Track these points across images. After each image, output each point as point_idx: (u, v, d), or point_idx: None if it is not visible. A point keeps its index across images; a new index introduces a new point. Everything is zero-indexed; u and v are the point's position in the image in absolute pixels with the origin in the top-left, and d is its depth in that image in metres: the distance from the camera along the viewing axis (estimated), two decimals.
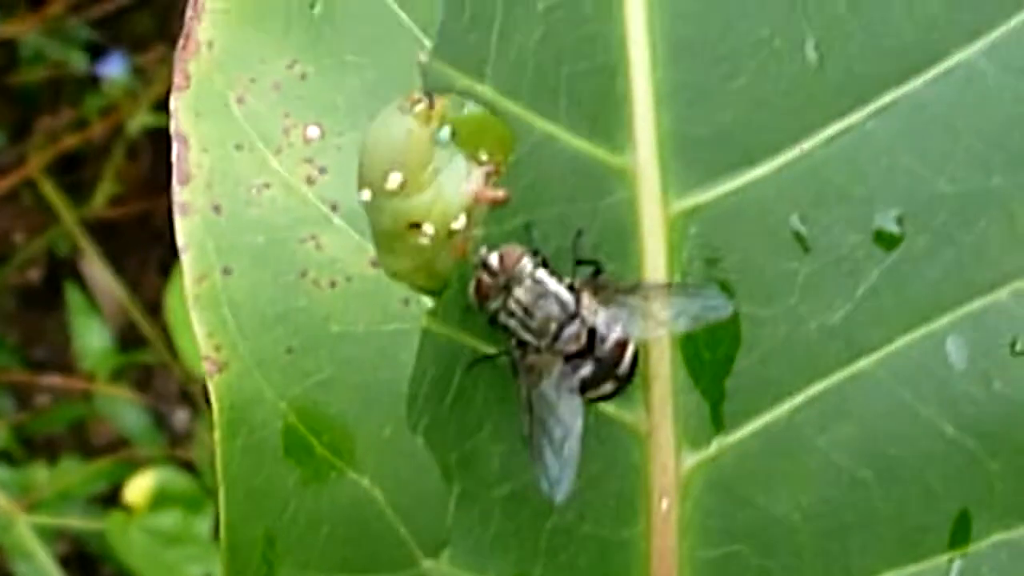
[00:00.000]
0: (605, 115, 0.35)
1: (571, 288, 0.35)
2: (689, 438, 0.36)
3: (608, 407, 0.36)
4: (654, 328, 0.35)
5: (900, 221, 0.35)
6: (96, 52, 1.55)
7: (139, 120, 1.48)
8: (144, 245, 1.57)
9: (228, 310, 0.35)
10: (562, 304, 0.35)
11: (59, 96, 1.57)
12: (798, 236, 0.35)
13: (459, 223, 0.34)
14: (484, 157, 0.35)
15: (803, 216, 0.35)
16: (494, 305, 0.35)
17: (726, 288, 0.35)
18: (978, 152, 0.34)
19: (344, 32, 0.36)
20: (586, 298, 0.35)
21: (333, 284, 0.36)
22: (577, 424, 0.35)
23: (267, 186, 0.36)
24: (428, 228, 0.34)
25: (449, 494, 0.35)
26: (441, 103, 0.34)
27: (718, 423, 0.35)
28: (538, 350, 0.35)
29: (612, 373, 0.35)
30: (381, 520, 0.36)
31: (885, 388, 0.35)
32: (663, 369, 0.35)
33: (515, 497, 0.36)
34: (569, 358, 0.35)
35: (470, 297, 0.35)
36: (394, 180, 0.34)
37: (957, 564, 0.35)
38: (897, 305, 0.35)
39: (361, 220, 0.36)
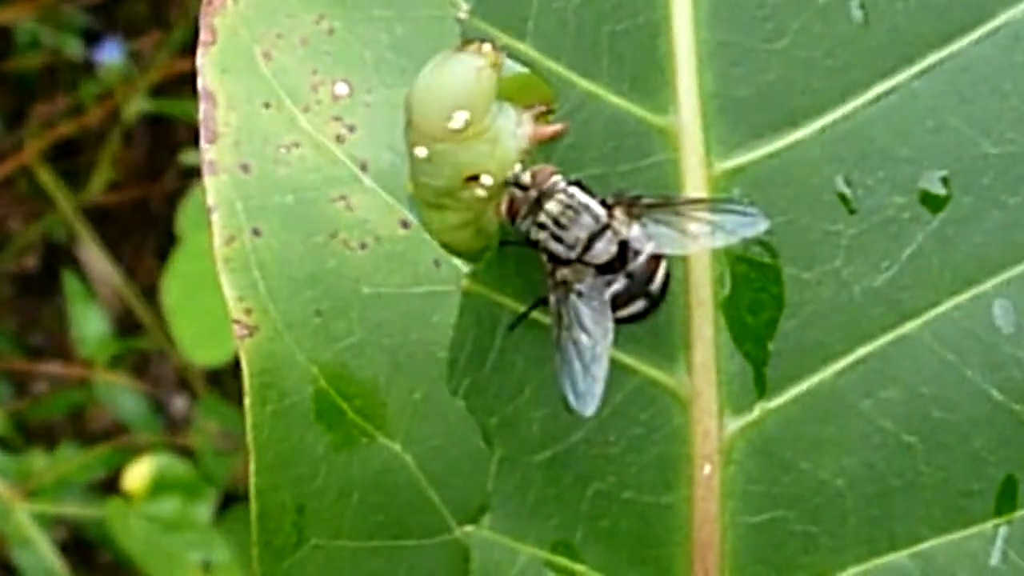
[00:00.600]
0: (647, 74, 0.35)
1: (604, 203, 0.35)
2: (732, 403, 0.35)
3: (650, 370, 0.35)
4: (689, 243, 0.34)
5: (946, 182, 0.34)
6: (91, 38, 1.54)
7: (135, 106, 1.48)
8: (141, 231, 1.57)
9: (258, 272, 0.35)
10: (594, 216, 0.34)
11: (55, 82, 1.56)
12: (843, 197, 0.35)
13: (516, 170, 0.34)
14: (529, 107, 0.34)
15: (848, 177, 0.35)
16: (525, 224, 0.34)
17: (769, 249, 0.35)
18: None
19: None
20: (619, 212, 0.35)
21: (363, 245, 0.35)
22: (607, 339, 0.34)
23: (296, 145, 0.35)
24: (486, 179, 0.34)
25: (490, 458, 0.35)
26: (499, 49, 0.33)
27: (761, 387, 0.35)
28: (569, 262, 0.34)
29: (644, 290, 0.35)
30: (413, 486, 0.36)
31: (931, 352, 0.34)
32: (706, 332, 0.35)
33: (557, 462, 0.35)
34: (600, 271, 0.35)
35: (503, 216, 0.35)
36: (459, 119, 0.33)
37: (1003, 530, 0.35)
38: (943, 268, 0.34)
39: (391, 180, 0.35)
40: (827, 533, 0.35)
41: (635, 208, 0.34)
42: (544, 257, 0.35)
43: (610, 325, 0.34)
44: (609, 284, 0.34)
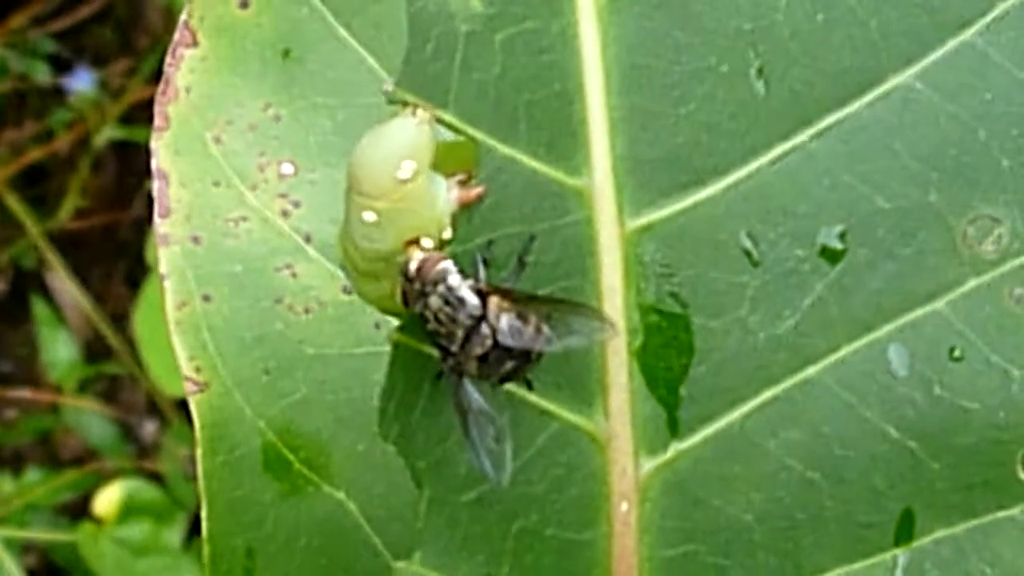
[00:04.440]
0: (563, 139, 0.37)
1: (479, 293, 0.36)
2: (647, 444, 0.37)
3: (569, 415, 0.37)
4: (545, 343, 0.36)
5: (843, 236, 0.37)
6: (59, 64, 1.56)
7: (105, 134, 1.49)
8: (109, 257, 1.58)
9: (208, 334, 0.37)
10: (468, 309, 0.36)
11: (23, 109, 1.57)
12: (747, 251, 0.37)
13: (447, 234, 0.36)
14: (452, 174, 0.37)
15: (751, 232, 0.37)
16: (416, 312, 0.36)
17: (679, 300, 0.37)
18: (915, 170, 0.36)
19: (316, 76, 0.38)
20: (493, 303, 0.36)
21: (308, 310, 0.38)
22: (504, 417, 0.36)
23: (244, 219, 0.37)
24: (426, 242, 0.36)
25: (419, 499, 0.37)
26: (431, 111, 0.35)
27: (674, 429, 0.37)
28: (454, 353, 0.36)
29: (527, 363, 0.37)
30: (356, 531, 0.38)
31: (831, 394, 0.37)
32: (621, 378, 0.37)
33: (482, 501, 0.37)
34: (482, 359, 0.36)
35: (398, 303, 0.37)
36: (407, 168, 0.35)
37: (902, 560, 0.37)
38: (841, 315, 0.37)
39: (333, 250, 0.37)
40: (738, 565, 0.37)
41: (507, 300, 0.36)
42: (435, 347, 0.37)
43: (504, 399, 0.36)
44: (496, 365, 0.36)
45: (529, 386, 0.37)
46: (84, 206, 1.55)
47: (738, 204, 0.37)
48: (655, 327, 0.37)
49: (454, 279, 0.36)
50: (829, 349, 0.37)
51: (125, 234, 1.57)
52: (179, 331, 0.37)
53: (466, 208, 0.36)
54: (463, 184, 0.36)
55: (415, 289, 0.36)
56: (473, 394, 0.36)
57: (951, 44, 0.36)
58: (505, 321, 0.36)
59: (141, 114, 1.50)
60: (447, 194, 0.36)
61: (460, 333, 0.36)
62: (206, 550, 0.38)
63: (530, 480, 0.37)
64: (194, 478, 1.24)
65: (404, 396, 0.37)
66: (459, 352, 0.36)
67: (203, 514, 0.38)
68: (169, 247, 0.37)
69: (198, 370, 0.37)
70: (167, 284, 0.37)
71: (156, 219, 0.37)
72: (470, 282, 0.36)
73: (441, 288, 0.36)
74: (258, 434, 0.37)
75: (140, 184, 1.55)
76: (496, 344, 0.36)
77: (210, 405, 0.37)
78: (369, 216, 0.35)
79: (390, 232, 0.36)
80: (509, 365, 0.36)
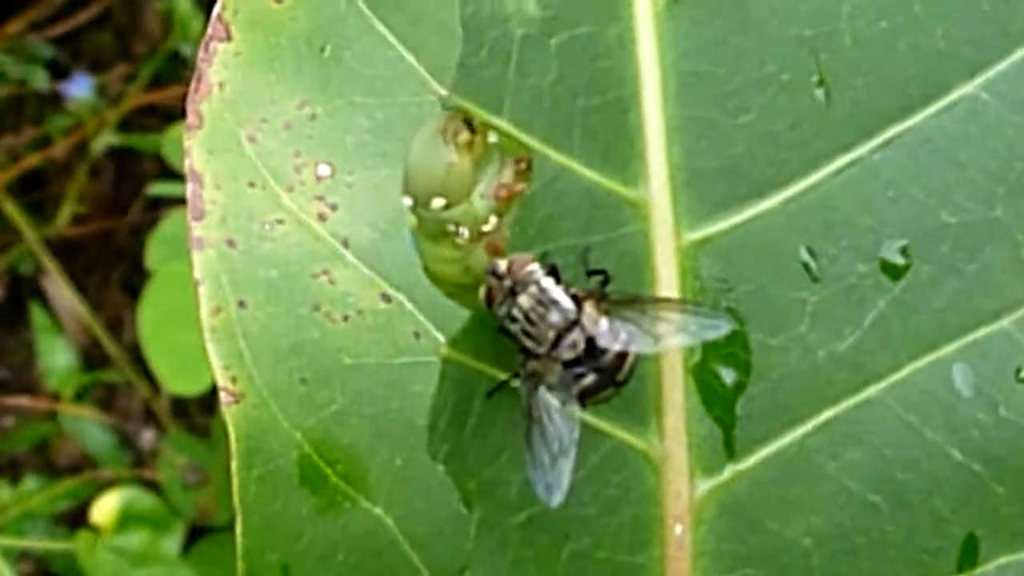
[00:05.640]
0: (618, 148, 0.36)
1: (575, 298, 0.36)
2: (702, 465, 0.36)
3: (623, 434, 0.36)
4: (653, 343, 0.36)
5: (905, 251, 0.36)
6: (56, 70, 1.55)
7: (103, 140, 1.48)
8: (106, 264, 1.57)
9: (244, 342, 0.36)
10: (564, 313, 0.36)
11: (20, 114, 1.56)
12: (807, 266, 0.36)
13: (489, 225, 0.36)
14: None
15: (811, 247, 0.36)
16: (501, 311, 0.36)
17: (736, 316, 0.36)
18: (980, 184, 0.35)
19: (353, 74, 0.36)
20: (588, 307, 0.36)
21: (345, 318, 0.36)
22: (573, 432, 0.35)
23: (280, 222, 0.36)
24: (463, 231, 0.36)
25: (469, 520, 0.36)
26: (481, 132, 0.35)
27: (731, 450, 0.36)
28: (538, 356, 0.36)
29: (611, 381, 0.36)
30: (394, 548, 0.37)
31: (893, 414, 0.36)
32: (676, 396, 0.36)
33: (533, 523, 0.36)
34: (568, 366, 0.36)
35: (481, 302, 0.36)
36: (437, 204, 0.36)
37: None
38: (904, 333, 0.36)
39: (372, 256, 0.36)
40: None
41: (604, 303, 0.36)
42: (516, 348, 0.36)
43: (577, 417, 0.35)
44: (577, 378, 0.36)
45: (583, 403, 0.36)
46: (82, 212, 1.54)
47: (798, 217, 0.36)
48: (712, 344, 0.36)
49: (547, 281, 0.35)
50: (891, 368, 0.36)
51: (123, 241, 1.56)
52: (214, 339, 0.36)
53: (520, 215, 0.35)
54: (518, 176, 0.36)
55: (505, 287, 0.35)
56: (547, 402, 0.35)
57: (1018, 54, 0.35)
58: (604, 323, 0.35)
59: (139, 120, 1.49)
60: (489, 192, 0.35)
61: (551, 335, 0.36)
62: (240, 566, 0.37)
63: (582, 501, 0.36)
64: (192, 486, 1.23)
65: (454, 413, 0.36)
66: (545, 355, 0.35)
67: (238, 529, 0.37)
68: (203, 251, 0.36)
69: (234, 380, 0.36)
70: (201, 290, 0.36)
71: (191, 222, 0.36)
72: (562, 285, 0.35)
73: (533, 288, 0.35)
74: (294, 446, 0.36)
75: (138, 191, 1.54)
76: (588, 347, 0.36)
77: (246, 416, 0.36)
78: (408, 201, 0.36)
79: (427, 223, 0.36)
80: (607, 394, 0.36)
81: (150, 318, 1.21)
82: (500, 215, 0.36)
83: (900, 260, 0.36)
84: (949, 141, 0.36)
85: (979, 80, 0.35)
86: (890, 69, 0.36)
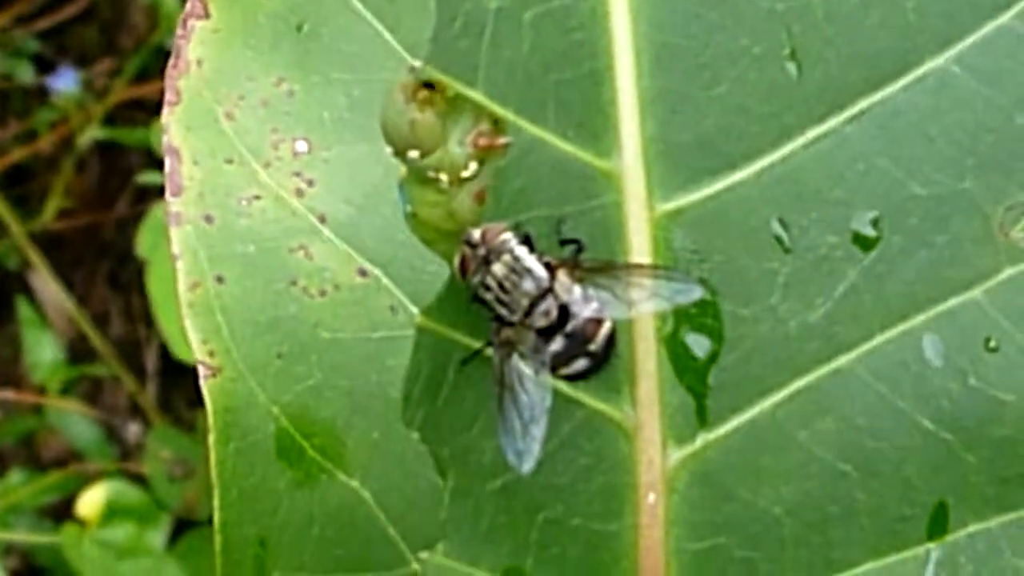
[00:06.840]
0: (592, 121, 0.36)
1: (548, 266, 0.36)
2: (675, 434, 0.37)
3: (596, 403, 0.36)
4: (627, 308, 0.36)
5: (876, 223, 0.36)
6: (42, 64, 1.55)
7: (89, 134, 1.48)
8: (92, 258, 1.57)
9: (221, 316, 0.36)
10: (537, 280, 0.36)
11: (6, 108, 1.56)
12: (778, 238, 0.36)
13: (469, 171, 0.36)
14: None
15: (783, 218, 0.36)
16: (475, 280, 0.36)
17: (709, 287, 0.36)
18: (950, 156, 0.36)
19: (330, 51, 0.37)
20: (561, 275, 0.36)
21: (322, 292, 0.37)
22: (545, 400, 0.36)
23: (257, 198, 0.36)
24: (443, 176, 0.36)
25: (443, 488, 0.36)
26: (440, 89, 0.35)
27: (703, 419, 0.36)
28: (511, 324, 0.36)
29: (584, 350, 0.36)
30: (371, 521, 0.37)
31: (864, 384, 0.36)
32: (649, 366, 0.36)
33: (507, 490, 0.37)
34: (541, 333, 0.36)
35: (455, 270, 0.36)
36: (413, 154, 0.36)
37: (935, 554, 0.36)
38: (875, 304, 0.36)
39: (349, 231, 0.37)
40: (766, 559, 0.36)
41: (577, 271, 0.36)
42: (490, 317, 0.36)
43: (548, 384, 0.36)
44: (548, 344, 0.36)
45: (552, 371, 0.36)
46: (68, 207, 1.54)
47: (770, 189, 0.36)
48: (684, 314, 0.36)
49: (520, 249, 0.35)
50: (862, 338, 0.36)
51: (109, 235, 1.56)
52: (192, 313, 0.36)
53: (492, 151, 0.36)
54: (494, 130, 0.36)
55: (478, 256, 0.35)
56: (520, 370, 0.35)
57: (989, 27, 0.36)
58: (578, 290, 0.36)
59: (125, 114, 1.49)
60: (467, 139, 0.36)
61: (524, 302, 0.36)
62: (218, 539, 0.37)
63: (556, 470, 0.36)
64: (178, 479, 1.23)
65: (428, 382, 0.36)
66: (519, 323, 0.36)
67: (215, 502, 0.37)
68: (181, 226, 0.36)
69: (211, 354, 0.36)
70: (179, 265, 0.36)
71: (168, 197, 0.36)
72: (536, 254, 0.36)
73: (507, 257, 0.35)
74: (272, 420, 0.36)
75: (124, 185, 1.54)
76: (561, 315, 0.36)
77: (223, 390, 0.36)
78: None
79: (411, 170, 0.37)
80: (580, 364, 0.36)
81: (159, 281, 1.20)
82: (481, 162, 0.36)
83: (871, 232, 0.36)
84: (919, 114, 0.36)
85: (950, 53, 0.36)
86: (861, 42, 0.36)
